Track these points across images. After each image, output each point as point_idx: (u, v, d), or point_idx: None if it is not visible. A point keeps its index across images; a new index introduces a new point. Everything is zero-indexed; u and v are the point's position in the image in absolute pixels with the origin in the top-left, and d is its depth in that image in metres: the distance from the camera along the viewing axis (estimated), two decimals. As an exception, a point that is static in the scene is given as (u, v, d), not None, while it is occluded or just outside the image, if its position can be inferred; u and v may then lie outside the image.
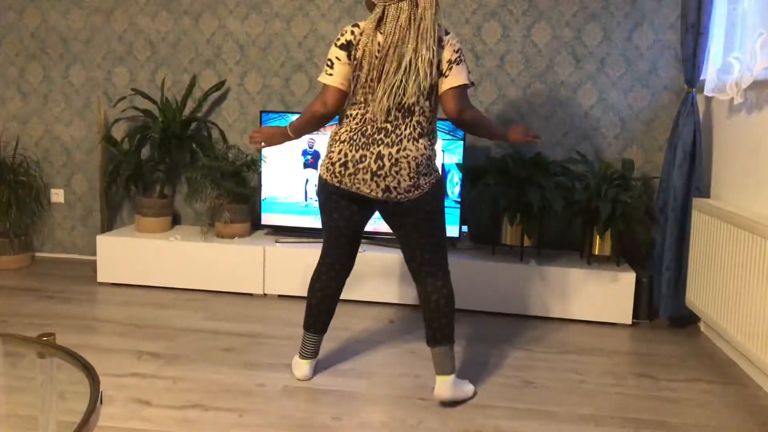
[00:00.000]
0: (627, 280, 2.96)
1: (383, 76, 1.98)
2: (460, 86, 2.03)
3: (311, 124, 2.14)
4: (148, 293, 3.23)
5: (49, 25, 3.70)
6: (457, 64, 2.02)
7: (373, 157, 2.01)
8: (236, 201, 3.36)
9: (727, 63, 2.70)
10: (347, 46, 2.03)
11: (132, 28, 3.64)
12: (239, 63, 3.59)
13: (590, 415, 2.12)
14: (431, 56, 1.97)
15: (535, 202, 2.87)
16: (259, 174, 3.37)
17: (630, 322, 3.00)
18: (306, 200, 3.32)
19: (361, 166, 2.01)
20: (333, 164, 2.05)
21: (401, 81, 1.97)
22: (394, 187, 2.02)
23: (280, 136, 2.21)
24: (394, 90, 1.98)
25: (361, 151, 2.02)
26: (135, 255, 3.30)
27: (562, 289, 3.01)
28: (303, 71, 3.54)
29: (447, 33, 2.05)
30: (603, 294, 2.99)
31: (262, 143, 2.21)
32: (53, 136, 3.79)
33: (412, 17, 1.96)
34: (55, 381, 1.44)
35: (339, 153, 2.04)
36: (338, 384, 2.28)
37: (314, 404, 2.13)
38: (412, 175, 2.01)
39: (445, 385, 2.12)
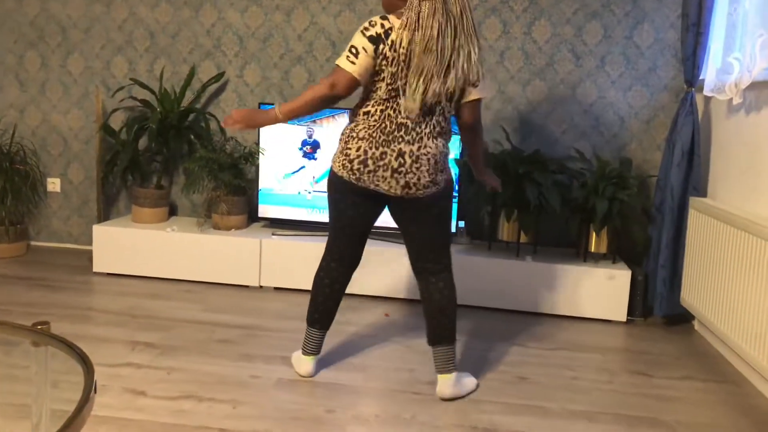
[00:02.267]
0: (623, 277, 2.97)
1: (422, 74, 1.93)
2: (481, 99, 2.07)
3: (312, 105, 2.01)
4: (144, 284, 3.23)
5: (48, 14, 3.68)
6: (484, 77, 2.04)
7: (394, 154, 2.00)
8: (233, 193, 3.36)
9: (726, 63, 2.70)
10: (376, 40, 1.96)
11: (132, 18, 3.63)
12: (238, 55, 3.58)
13: (583, 411, 2.13)
14: (473, 51, 1.96)
15: (533, 198, 2.88)
16: (257, 166, 3.36)
17: (625, 320, 3.00)
18: (308, 191, 3.32)
19: (381, 163, 2.00)
20: (351, 161, 2.03)
21: (441, 78, 1.94)
22: (414, 183, 2.02)
23: (263, 119, 2.06)
24: (433, 87, 1.94)
25: (381, 148, 2.00)
26: (131, 245, 3.29)
27: (558, 285, 3.02)
28: (302, 64, 3.53)
29: None
30: (598, 291, 2.99)
31: (238, 125, 2.05)
32: (50, 125, 3.78)
33: (449, 15, 1.92)
34: (49, 370, 1.43)
35: (358, 150, 2.02)
36: (333, 377, 2.28)
37: (308, 397, 2.13)
38: (431, 171, 2.02)
39: (446, 384, 2.13)
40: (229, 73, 3.60)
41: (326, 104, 2.04)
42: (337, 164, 2.07)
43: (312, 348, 2.26)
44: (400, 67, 1.96)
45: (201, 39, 3.59)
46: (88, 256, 3.64)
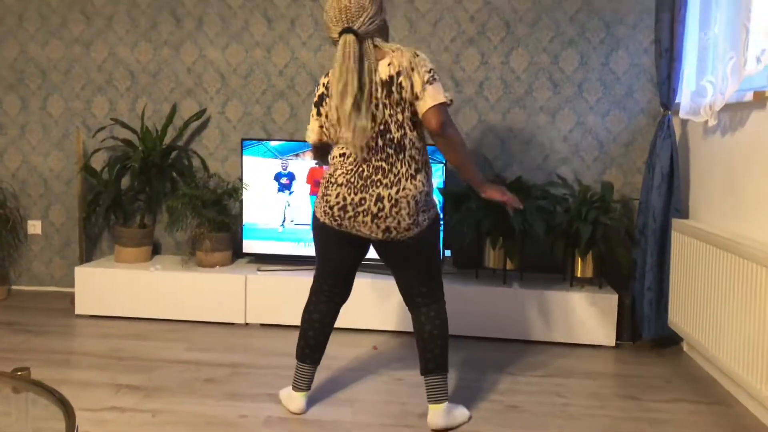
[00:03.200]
0: (609, 301, 2.97)
1: (343, 115, 1.97)
2: (439, 104, 1.97)
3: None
4: (127, 325, 3.18)
5: (27, 56, 3.69)
6: (431, 83, 1.96)
7: (373, 199, 2.00)
8: (217, 229, 3.34)
9: (700, 86, 2.75)
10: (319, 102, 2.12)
11: (112, 58, 3.64)
12: (220, 91, 3.60)
13: (577, 439, 2.10)
14: (389, 98, 1.97)
15: (517, 225, 2.89)
16: (241, 202, 3.35)
17: (613, 344, 3.00)
18: (283, 226, 3.31)
19: (360, 209, 2.01)
20: (331, 208, 2.04)
21: (358, 117, 1.96)
22: (395, 227, 2.02)
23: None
24: (356, 127, 1.96)
25: (360, 194, 2.01)
26: (114, 286, 3.25)
27: (546, 311, 3.01)
28: (284, 99, 3.56)
29: (395, 51, 1.99)
30: (586, 316, 2.99)
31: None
32: (30, 167, 3.75)
33: (352, 51, 1.94)
34: (29, 416, 1.40)
35: (337, 197, 2.03)
36: (322, 413, 2.24)
37: (297, 435, 2.09)
38: (411, 213, 2.02)
39: (437, 414, 2.11)
40: (210, 109, 3.61)
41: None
42: (319, 210, 2.09)
43: (303, 384, 2.23)
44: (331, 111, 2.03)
45: (182, 77, 3.61)
46: (70, 298, 3.58)
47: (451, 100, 2.01)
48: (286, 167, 3.28)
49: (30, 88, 3.71)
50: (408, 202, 2.01)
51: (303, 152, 3.27)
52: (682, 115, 2.89)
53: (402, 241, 2.05)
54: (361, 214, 2.01)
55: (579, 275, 3.07)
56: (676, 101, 2.98)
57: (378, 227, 2.02)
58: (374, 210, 2.01)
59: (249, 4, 3.53)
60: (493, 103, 3.43)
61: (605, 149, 3.39)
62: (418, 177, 2.04)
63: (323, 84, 2.10)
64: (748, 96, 2.38)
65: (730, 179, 2.59)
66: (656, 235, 2.96)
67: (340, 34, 1.97)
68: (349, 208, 2.02)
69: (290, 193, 3.29)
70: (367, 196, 2.01)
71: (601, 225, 2.92)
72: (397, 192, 2.00)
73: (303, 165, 3.28)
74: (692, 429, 2.19)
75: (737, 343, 2.29)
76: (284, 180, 3.29)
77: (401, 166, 2.01)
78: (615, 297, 2.97)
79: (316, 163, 2.22)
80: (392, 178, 2.00)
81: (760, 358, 2.12)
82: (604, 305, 2.97)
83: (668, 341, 3.07)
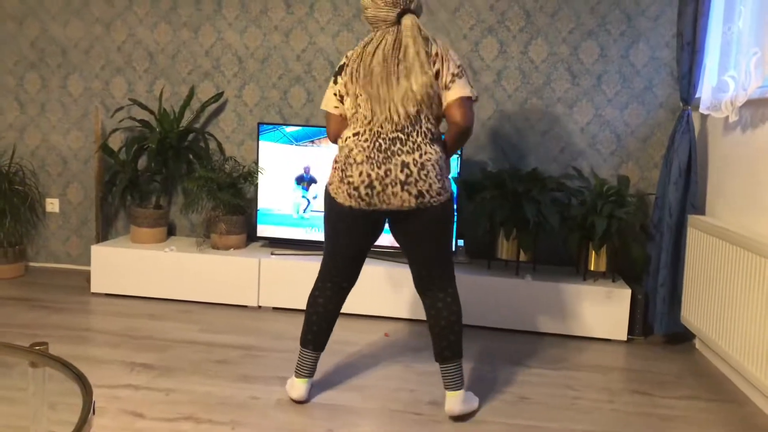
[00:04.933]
0: (622, 296, 2.96)
1: (383, 93, 2.02)
2: (465, 97, 2.03)
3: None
4: (142, 304, 3.22)
5: (48, 35, 3.71)
6: (460, 77, 2.04)
7: (398, 167, 2.00)
8: (232, 212, 3.36)
9: (722, 81, 2.72)
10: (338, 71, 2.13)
11: (131, 39, 3.66)
12: (237, 75, 3.60)
13: (584, 431, 2.11)
14: (417, 75, 2.01)
15: (531, 216, 2.88)
16: (256, 186, 3.37)
17: (625, 339, 2.99)
18: (300, 215, 3.32)
19: (388, 180, 2.00)
20: (357, 189, 2.02)
21: (396, 98, 2.01)
22: (427, 191, 2.01)
23: None
24: (390, 106, 2.01)
25: (384, 166, 2.01)
26: (129, 265, 3.28)
27: (558, 304, 3.01)
28: (301, 84, 3.56)
29: (435, 42, 2.07)
30: (598, 310, 2.98)
31: None
32: (50, 146, 3.79)
33: (397, 41, 2.03)
34: (46, 391, 1.42)
35: (360, 176, 2.02)
36: (332, 397, 2.26)
37: (308, 417, 2.11)
38: (438, 177, 2.03)
39: (455, 400, 2.12)
40: (227, 93, 3.62)
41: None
42: (342, 195, 2.05)
43: (305, 371, 2.22)
44: (362, 87, 2.04)
45: (200, 60, 3.62)
46: (86, 276, 3.63)
47: (477, 97, 2.09)
48: (309, 170, 3.28)
49: (50, 67, 3.73)
50: (433, 166, 2.02)
51: (319, 139, 3.28)
52: (702, 110, 2.85)
53: (429, 210, 2.03)
54: (390, 186, 2.00)
55: (592, 269, 3.06)
56: (697, 96, 2.94)
57: (410, 194, 2.00)
58: (402, 177, 2.00)
59: (269, -13, 3.53)
60: (510, 93, 3.41)
61: (622, 143, 3.36)
62: (435, 145, 2.06)
63: (347, 56, 2.12)
64: (771, 92, 2.35)
65: (750, 176, 2.57)
66: (672, 230, 2.94)
67: (400, 15, 2.05)
68: (376, 183, 2.01)
69: (305, 194, 3.30)
70: (392, 166, 2.00)
71: (616, 219, 2.91)
72: (421, 156, 2.01)
73: (323, 154, 3.29)
74: (703, 426, 2.19)
75: (751, 342, 2.27)
76: (305, 184, 3.29)
77: (417, 136, 2.03)
78: (628, 291, 2.96)
79: (332, 140, 2.19)
80: (411, 145, 2.01)
81: (773, 357, 2.11)
82: (616, 300, 2.96)
83: (680, 338, 3.06)
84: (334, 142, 2.17)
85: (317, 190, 3.31)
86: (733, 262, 2.44)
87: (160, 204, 3.58)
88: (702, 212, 3.01)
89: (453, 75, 2.03)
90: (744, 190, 2.61)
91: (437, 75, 2.03)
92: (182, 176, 3.65)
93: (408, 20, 2.04)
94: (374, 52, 2.03)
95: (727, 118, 2.76)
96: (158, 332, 2.83)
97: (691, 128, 2.93)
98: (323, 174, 3.30)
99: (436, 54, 2.04)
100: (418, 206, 2.03)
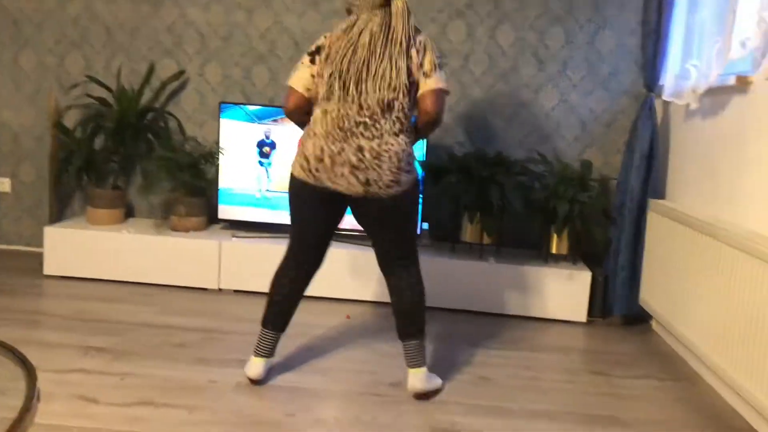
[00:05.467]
0: (583, 278, 3.00)
1: (361, 76, 1.99)
2: (441, 89, 2.04)
3: None
4: (97, 287, 3.13)
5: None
6: (440, 69, 2.05)
7: (353, 149, 1.97)
8: (192, 194, 3.28)
9: (684, 69, 2.75)
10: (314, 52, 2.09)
11: (87, 13, 3.52)
12: (200, 53, 3.51)
13: (544, 411, 2.13)
14: (400, 61, 2.00)
15: (496, 200, 2.88)
16: (217, 167, 3.30)
17: (585, 320, 3.03)
18: (260, 192, 3.27)
19: (339, 159, 1.97)
20: (307, 160, 2.00)
21: (372, 82, 1.99)
22: (375, 180, 1.98)
23: None
24: (367, 89, 1.99)
25: (339, 144, 1.98)
26: (85, 247, 3.18)
27: (520, 286, 3.03)
28: (264, 63, 3.48)
29: (419, 32, 2.07)
30: (560, 292, 3.01)
31: None
32: (0, 123, 3.64)
33: (384, 25, 2.01)
34: (-7, 375, 1.36)
35: (314, 146, 2.00)
36: (293, 380, 2.24)
37: (267, 401, 2.08)
38: (393, 169, 1.99)
39: (418, 378, 2.12)
40: (189, 71, 3.53)
41: None
42: (296, 166, 2.05)
43: (264, 350, 2.19)
44: (339, 67, 2.00)
45: (160, 36, 3.51)
46: (40, 258, 3.51)
47: (448, 91, 2.11)
48: (269, 135, 3.22)
49: (1, 40, 3.57)
50: (390, 157, 1.99)
51: (282, 118, 3.22)
52: (665, 97, 2.89)
53: (381, 200, 2.02)
54: (339, 165, 1.97)
55: (554, 252, 3.08)
56: (660, 83, 2.97)
57: (358, 179, 1.98)
58: (353, 160, 1.97)
59: (232, -37, 3.43)
60: (477, 77, 3.40)
61: (587, 128, 3.39)
62: (401, 136, 2.03)
63: (325, 36, 2.09)
64: (731, 80, 2.38)
65: (709, 163, 2.61)
66: (633, 214, 2.98)
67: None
68: (327, 158, 1.98)
69: (268, 164, 3.24)
70: (347, 146, 1.97)
71: (579, 203, 2.93)
72: (379, 145, 1.98)
73: (285, 132, 3.23)
74: (657, 405, 2.23)
75: (705, 323, 2.32)
76: (266, 149, 3.23)
77: (385, 123, 2.00)
78: (589, 274, 3.00)
79: (289, 113, 2.14)
80: (374, 132, 1.99)
81: (727, 339, 2.16)
82: (577, 282, 3.00)
83: (638, 319, 3.12)
84: (290, 115, 2.13)
85: (279, 161, 3.25)
86: (691, 247, 2.48)
87: (117, 185, 3.48)
88: (662, 197, 3.06)
89: (434, 65, 2.04)
90: (703, 176, 2.66)
91: (420, 64, 2.03)
92: (141, 156, 3.55)
93: (400, 2, 2.03)
94: (360, 33, 2.00)
95: (688, 105, 2.80)
96: (114, 315, 2.76)
97: (654, 115, 2.96)
98: (284, 141, 3.24)
99: (420, 42, 2.04)
100: (366, 194, 2.01)
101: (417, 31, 2.07)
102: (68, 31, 3.54)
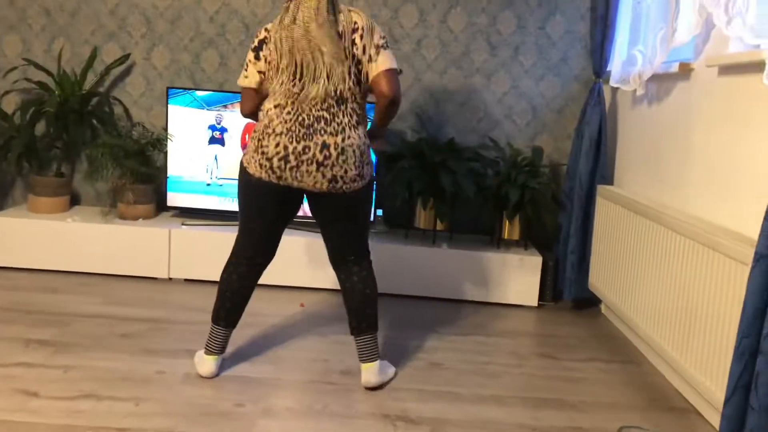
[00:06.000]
0: (534, 263, 3.04)
1: (309, 67, 1.95)
2: (392, 69, 2.00)
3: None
4: (39, 277, 3.02)
5: (-71, -15, 3.37)
6: (385, 49, 2.00)
7: (318, 147, 1.94)
8: (140, 181, 3.19)
9: (631, 55, 2.79)
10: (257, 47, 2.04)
11: (25, -7, 3.37)
12: (145, 36, 3.40)
13: (493, 395, 2.16)
14: (341, 47, 1.95)
15: (448, 187, 2.89)
16: (165, 153, 3.21)
17: (536, 304, 3.08)
18: (211, 178, 3.20)
19: (304, 157, 1.94)
20: (270, 160, 1.95)
21: (319, 72, 1.95)
22: (341, 176, 1.97)
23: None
24: (315, 80, 1.95)
25: (303, 141, 1.94)
26: (26, 237, 3.07)
27: (473, 272, 3.06)
28: (214, 47, 3.40)
29: (359, 13, 2.01)
30: (511, 277, 3.05)
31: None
32: (-66, 107, 3.46)
33: (316, 10, 1.94)
34: None
35: (276, 147, 1.95)
36: (244, 370, 2.21)
37: (217, 391, 2.05)
38: (357, 164, 1.98)
39: (371, 372, 2.11)
40: (135, 55, 3.42)
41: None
42: (253, 165, 1.99)
43: (215, 347, 2.14)
44: (284, 63, 1.96)
45: (104, 18, 3.38)
46: (-20, 249, 3.37)
47: (400, 70, 2.05)
48: (221, 120, 3.15)
49: (-68, 20, 3.40)
50: (354, 152, 1.98)
51: (232, 104, 3.15)
52: (612, 83, 2.93)
53: (343, 195, 2.00)
54: (305, 164, 1.95)
55: (506, 237, 3.12)
56: (608, 69, 3.02)
57: (324, 176, 1.96)
58: (320, 158, 1.94)
59: (178, -58, 3.32)
60: (430, 62, 3.39)
61: (538, 114, 3.42)
62: (360, 129, 2.02)
63: (266, 29, 2.04)
64: (675, 67, 2.43)
65: (654, 149, 2.67)
66: (582, 200, 3.02)
67: None
68: (291, 157, 1.94)
69: (219, 150, 3.17)
70: (311, 144, 1.94)
71: (530, 189, 2.97)
72: (343, 140, 1.96)
73: (235, 118, 3.16)
74: (603, 387, 2.29)
75: (650, 306, 2.38)
76: (217, 134, 3.16)
77: (343, 116, 1.98)
78: (539, 259, 3.04)
79: (245, 116, 2.12)
80: (336, 127, 1.96)
81: (668, 321, 2.22)
82: (528, 267, 3.04)
83: (588, 303, 3.18)
84: (248, 117, 2.10)
85: (229, 147, 3.19)
86: (637, 231, 2.54)
87: (61, 172, 3.36)
88: (611, 183, 3.12)
89: (378, 46, 1.99)
90: (649, 162, 2.71)
91: (365, 47, 1.97)
92: (85, 143, 3.43)
93: None
94: (294, 21, 1.94)
95: (635, 91, 2.84)
96: (57, 306, 2.67)
97: (602, 101, 3.00)
98: (235, 127, 3.18)
99: (356, 23, 1.98)
100: (330, 191, 1.99)
101: (353, 12, 2.00)
102: (5, 12, 3.38)
